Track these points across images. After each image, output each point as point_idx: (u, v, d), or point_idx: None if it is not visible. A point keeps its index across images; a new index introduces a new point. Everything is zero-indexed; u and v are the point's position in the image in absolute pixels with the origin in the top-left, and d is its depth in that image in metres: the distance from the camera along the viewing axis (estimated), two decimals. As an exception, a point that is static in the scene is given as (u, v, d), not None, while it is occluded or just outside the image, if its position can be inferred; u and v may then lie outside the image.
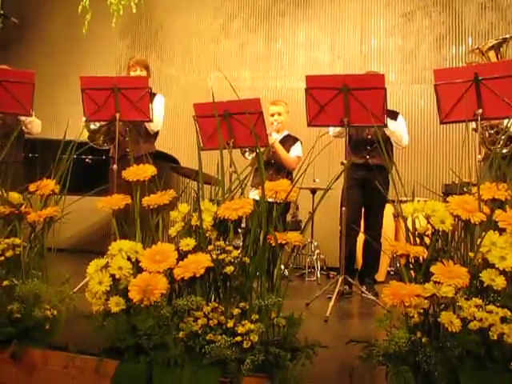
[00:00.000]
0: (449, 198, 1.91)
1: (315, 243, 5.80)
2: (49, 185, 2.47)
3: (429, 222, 1.89)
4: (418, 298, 1.71)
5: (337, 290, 3.63)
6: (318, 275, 5.54)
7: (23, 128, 4.80)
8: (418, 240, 1.93)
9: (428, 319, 1.77)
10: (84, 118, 4.36)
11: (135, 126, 4.53)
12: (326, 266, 5.85)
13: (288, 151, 4.84)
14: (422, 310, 1.74)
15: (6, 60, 5.61)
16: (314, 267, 5.68)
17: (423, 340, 1.72)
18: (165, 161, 6.03)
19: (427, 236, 1.94)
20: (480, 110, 3.51)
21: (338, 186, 2.91)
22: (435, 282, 1.74)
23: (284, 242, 1.97)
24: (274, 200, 2.05)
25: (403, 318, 1.82)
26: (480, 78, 3.50)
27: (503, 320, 1.66)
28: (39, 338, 2.20)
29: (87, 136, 4.51)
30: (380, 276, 5.16)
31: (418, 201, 1.96)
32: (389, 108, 3.89)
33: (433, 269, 1.77)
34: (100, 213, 6.22)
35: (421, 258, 1.87)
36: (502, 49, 4.02)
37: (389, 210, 5.02)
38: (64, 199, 2.50)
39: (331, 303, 3.41)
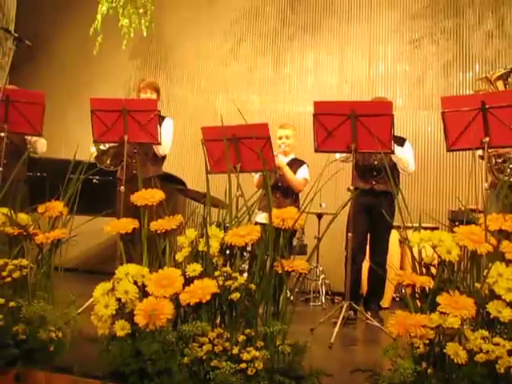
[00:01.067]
0: (455, 229, 1.91)
1: (320, 268, 5.79)
2: (57, 207, 2.48)
3: (435, 252, 1.90)
4: (423, 329, 1.71)
5: (342, 315, 3.62)
6: (323, 300, 5.52)
7: (28, 147, 4.84)
8: (424, 269, 1.93)
9: (434, 350, 1.76)
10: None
11: (143, 149, 4.55)
12: (331, 291, 5.82)
13: (295, 173, 4.84)
14: (427, 341, 1.73)
15: (17, 80, 5.67)
16: (318, 292, 5.66)
17: (429, 371, 1.72)
18: (172, 183, 6.04)
19: (433, 266, 1.94)
20: (487, 138, 3.52)
21: (343, 212, 2.91)
22: (441, 313, 1.74)
23: (290, 269, 1.97)
24: (281, 226, 2.05)
25: (409, 347, 1.81)
26: (487, 106, 3.52)
27: (510, 353, 1.65)
28: (43, 359, 2.20)
29: (95, 156, 4.54)
30: (385, 302, 5.13)
31: (426, 229, 1.96)
32: (396, 134, 3.91)
33: (439, 299, 1.77)
34: (105, 234, 6.23)
35: (427, 288, 1.86)
36: (510, 79, 4.05)
37: (394, 236, 5.01)
38: (72, 220, 2.51)
39: (336, 329, 3.39)
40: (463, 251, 1.89)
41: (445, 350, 1.70)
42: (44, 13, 8.24)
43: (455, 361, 1.67)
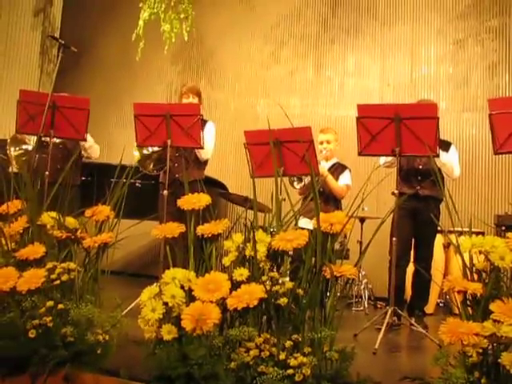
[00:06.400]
0: (509, 234, 1.86)
1: (363, 272, 5.72)
2: (104, 211, 2.51)
3: (487, 258, 1.85)
4: (476, 337, 1.66)
5: (386, 321, 3.57)
6: (366, 305, 5.46)
7: (82, 152, 4.94)
8: (475, 276, 1.88)
9: (487, 359, 1.71)
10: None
11: (185, 153, 4.57)
12: (374, 296, 5.75)
13: (337, 179, 4.81)
14: (480, 350, 1.68)
15: (61, 85, 5.79)
16: (361, 297, 5.59)
17: (482, 381, 1.67)
18: (213, 186, 6.06)
19: (484, 271, 1.89)
20: (537, 141, 3.43)
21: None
22: (495, 321, 1.69)
23: (339, 274, 1.95)
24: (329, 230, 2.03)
25: (459, 356, 1.76)
26: (537, 108, 3.43)
27: None
28: (91, 362, 2.22)
29: (137, 160, 4.57)
30: (429, 308, 5.04)
31: (472, 233, 1.92)
32: (441, 137, 3.84)
33: (492, 307, 1.72)
34: (147, 237, 6.30)
35: (478, 295, 1.82)
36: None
37: (438, 240, 4.92)
38: (119, 224, 2.54)
39: (380, 335, 3.34)
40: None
41: (499, 360, 1.65)
42: (87, 20, 8.41)
43: (511, 371, 1.62)
